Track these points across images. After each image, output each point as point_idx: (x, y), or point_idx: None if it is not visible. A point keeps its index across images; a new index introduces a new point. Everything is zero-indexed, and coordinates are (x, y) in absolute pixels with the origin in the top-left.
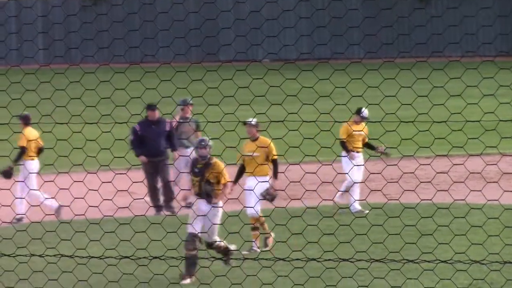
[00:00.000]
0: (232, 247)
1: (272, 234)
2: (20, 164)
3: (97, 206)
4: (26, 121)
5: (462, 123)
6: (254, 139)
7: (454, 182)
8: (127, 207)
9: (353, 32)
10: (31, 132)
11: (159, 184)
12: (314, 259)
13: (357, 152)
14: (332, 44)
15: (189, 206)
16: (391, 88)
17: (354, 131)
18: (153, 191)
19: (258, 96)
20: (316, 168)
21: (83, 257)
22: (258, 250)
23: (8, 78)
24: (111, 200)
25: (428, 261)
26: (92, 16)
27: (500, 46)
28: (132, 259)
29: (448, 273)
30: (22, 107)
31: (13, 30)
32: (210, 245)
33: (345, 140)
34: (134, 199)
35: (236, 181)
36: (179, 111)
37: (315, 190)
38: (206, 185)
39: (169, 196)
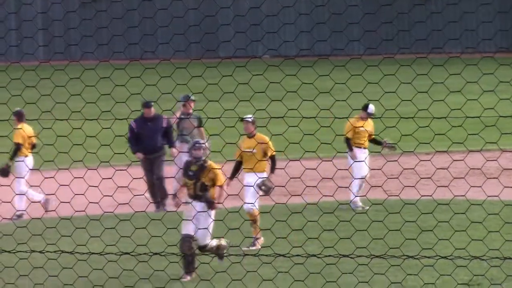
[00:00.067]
0: (223, 241)
1: (262, 239)
2: (20, 161)
3: (97, 202)
4: (20, 117)
5: (462, 119)
6: (251, 136)
7: (454, 178)
8: (127, 203)
9: (353, 28)
10: (26, 129)
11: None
12: (314, 255)
13: (364, 148)
14: (332, 40)
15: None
16: (391, 84)
17: (359, 127)
18: (152, 188)
19: (258, 92)
20: (316, 164)
21: (84, 253)
22: (259, 247)
23: (8, 75)
24: (111, 196)
25: (428, 257)
26: (92, 13)
27: (500, 42)
28: (132, 255)
29: (448, 269)
30: (22, 104)
31: (13, 26)
32: (203, 248)
33: (349, 138)
34: (134, 195)
35: (232, 177)
36: (179, 108)
37: (315, 186)
38: (202, 189)
39: (162, 193)
